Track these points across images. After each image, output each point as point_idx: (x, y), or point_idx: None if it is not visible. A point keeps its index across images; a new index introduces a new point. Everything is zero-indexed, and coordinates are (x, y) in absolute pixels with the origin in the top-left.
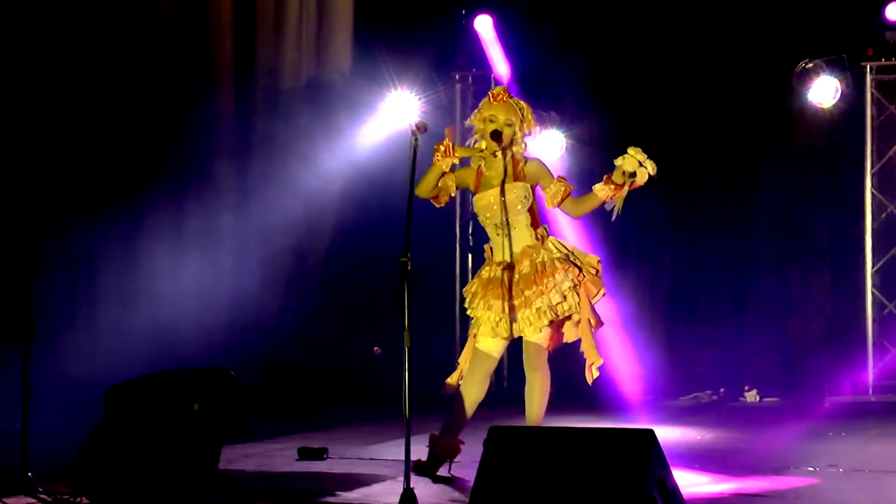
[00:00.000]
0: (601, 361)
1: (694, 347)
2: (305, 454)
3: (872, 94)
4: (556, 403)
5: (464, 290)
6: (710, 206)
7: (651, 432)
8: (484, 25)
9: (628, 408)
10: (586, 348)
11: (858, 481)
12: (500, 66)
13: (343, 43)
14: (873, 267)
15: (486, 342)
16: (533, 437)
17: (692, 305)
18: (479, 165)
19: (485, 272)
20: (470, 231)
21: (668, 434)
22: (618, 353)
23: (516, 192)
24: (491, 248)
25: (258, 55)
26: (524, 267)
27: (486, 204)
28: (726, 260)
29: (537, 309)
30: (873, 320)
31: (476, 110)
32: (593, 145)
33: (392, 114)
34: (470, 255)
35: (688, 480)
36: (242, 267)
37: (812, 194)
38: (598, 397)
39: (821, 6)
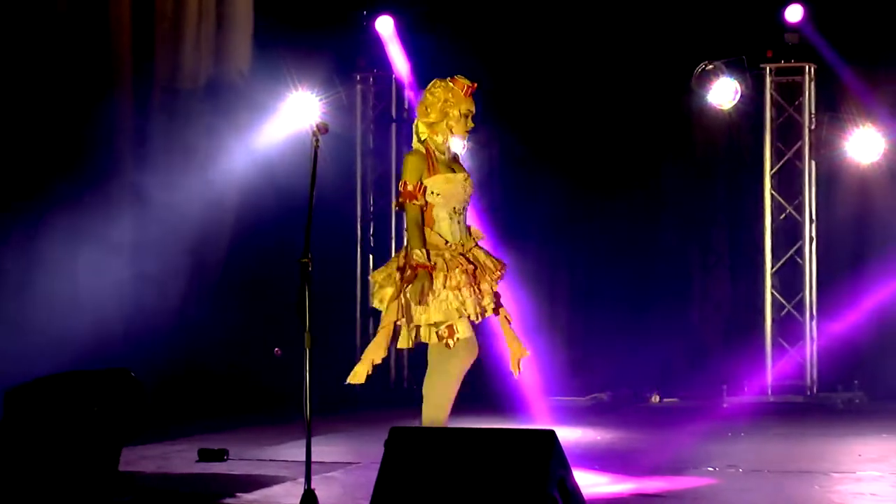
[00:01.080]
0: (528, 353)
1: (594, 348)
2: (205, 455)
3: (772, 95)
4: (457, 404)
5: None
6: (610, 207)
7: (552, 433)
8: (385, 26)
9: (529, 408)
10: (513, 342)
11: (758, 481)
12: (401, 66)
13: (243, 43)
14: (772, 268)
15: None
16: (434, 437)
17: (592, 307)
18: (429, 150)
19: (447, 254)
20: (371, 231)
21: (569, 434)
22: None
23: (470, 182)
24: (430, 231)
25: (157, 55)
26: (480, 255)
27: (453, 187)
28: (626, 261)
29: (488, 302)
30: (772, 321)
31: (440, 97)
32: (492, 148)
33: (293, 114)
34: (371, 256)
35: (588, 481)
36: (141, 267)
37: (712, 196)
38: (498, 398)
39: (720, 8)
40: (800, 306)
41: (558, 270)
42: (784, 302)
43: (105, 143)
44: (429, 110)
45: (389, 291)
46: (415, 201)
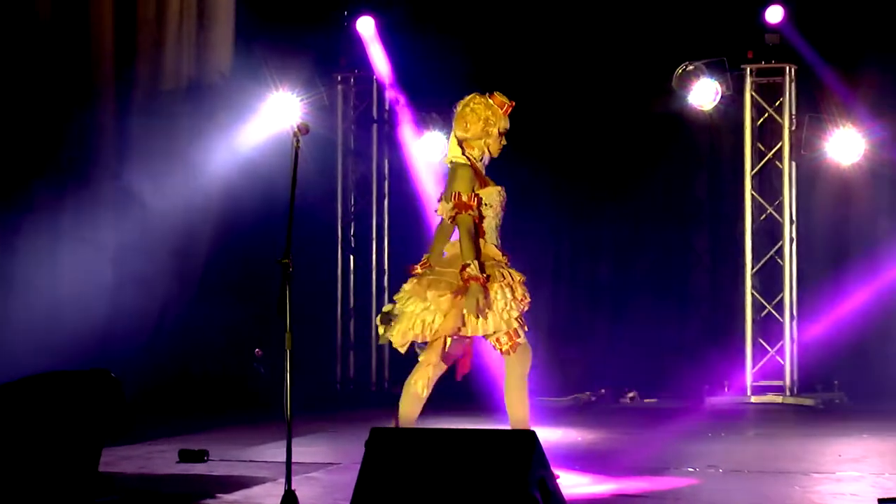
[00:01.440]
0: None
1: (575, 348)
2: (186, 456)
3: (752, 96)
4: (437, 405)
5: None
6: (592, 207)
7: (532, 433)
8: (366, 27)
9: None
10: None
11: (738, 482)
12: (382, 67)
13: (224, 43)
14: (752, 268)
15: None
16: (414, 438)
17: (573, 307)
18: (475, 164)
19: (503, 266)
20: (352, 232)
21: (550, 435)
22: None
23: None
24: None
25: (139, 57)
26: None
27: (501, 200)
28: (607, 261)
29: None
30: (752, 321)
31: (481, 114)
32: None
33: (274, 115)
34: (352, 257)
35: (569, 481)
36: (123, 268)
37: (693, 197)
38: (479, 399)
39: (701, 9)
40: (780, 307)
41: (538, 270)
42: (764, 302)
43: (88, 145)
44: (468, 125)
45: (444, 302)
46: (470, 212)
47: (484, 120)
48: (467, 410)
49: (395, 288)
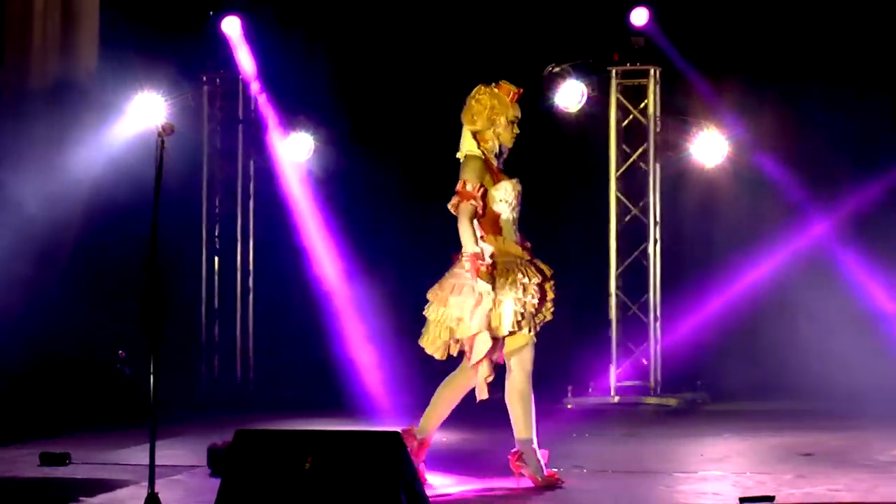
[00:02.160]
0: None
1: None
2: (47, 459)
3: (617, 98)
4: (307, 407)
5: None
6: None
7: (398, 434)
8: (231, 27)
9: (377, 411)
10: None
11: (603, 482)
12: (248, 68)
13: (89, 42)
14: (617, 269)
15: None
16: (280, 440)
17: None
18: (485, 156)
19: (521, 263)
20: (217, 233)
21: None
22: (370, 359)
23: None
24: (501, 239)
25: (5, 57)
26: (538, 263)
27: (517, 195)
28: None
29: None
30: (617, 322)
31: (486, 104)
32: (340, 147)
33: (139, 115)
34: (217, 258)
35: (434, 482)
36: None
37: (560, 198)
38: (348, 400)
39: (568, 11)
40: (644, 307)
41: (407, 272)
42: (629, 303)
43: None
44: (475, 118)
45: (470, 303)
46: (472, 202)
47: (489, 109)
48: (340, 412)
49: (260, 289)
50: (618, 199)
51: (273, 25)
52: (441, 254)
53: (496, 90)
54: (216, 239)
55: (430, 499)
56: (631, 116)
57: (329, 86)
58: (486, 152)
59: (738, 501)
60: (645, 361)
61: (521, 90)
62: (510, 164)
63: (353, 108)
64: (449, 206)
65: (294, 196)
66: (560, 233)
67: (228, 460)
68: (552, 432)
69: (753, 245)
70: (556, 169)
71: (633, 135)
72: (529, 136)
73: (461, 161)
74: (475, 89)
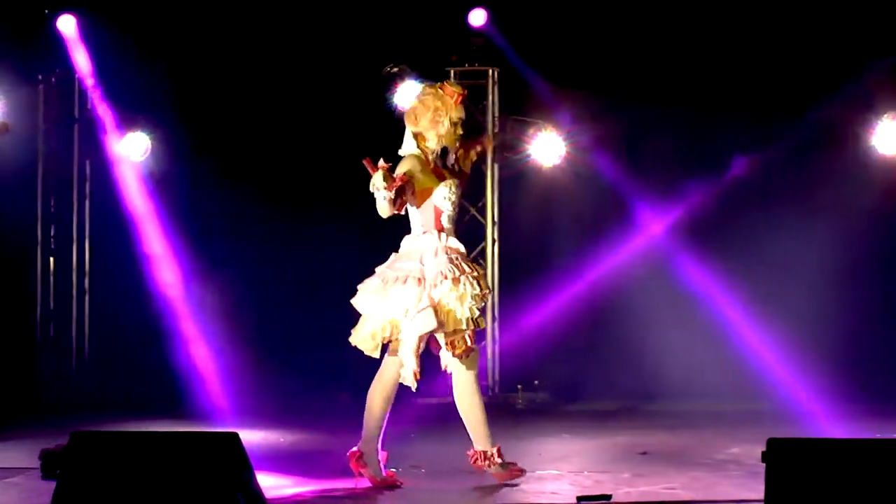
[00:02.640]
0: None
1: (288, 350)
2: None
3: None
4: (143, 409)
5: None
6: (297, 211)
7: (235, 435)
8: (67, 26)
9: (214, 412)
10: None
11: (442, 481)
12: (84, 67)
13: None
14: None
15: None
16: (116, 442)
17: (279, 313)
18: (427, 156)
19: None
20: (52, 233)
21: (252, 437)
22: (207, 361)
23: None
24: (444, 235)
25: None
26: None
27: (458, 195)
28: (309, 264)
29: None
30: None
31: (430, 105)
32: (174, 149)
33: None
34: (52, 259)
35: (272, 483)
36: None
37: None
38: (185, 402)
39: (406, 10)
40: (482, 307)
41: (245, 275)
42: None
43: None
44: (418, 118)
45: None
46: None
47: (433, 110)
48: (177, 414)
49: (96, 289)
50: None
51: (109, 24)
52: (281, 257)
53: (440, 91)
54: (52, 239)
55: (267, 500)
56: (470, 117)
57: (166, 85)
58: (426, 152)
59: (575, 500)
60: (483, 361)
61: (465, 92)
62: None
63: (190, 107)
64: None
65: (130, 196)
66: (401, 233)
67: (64, 463)
68: (391, 432)
69: (591, 245)
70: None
71: (471, 135)
72: (369, 135)
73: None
74: (420, 90)
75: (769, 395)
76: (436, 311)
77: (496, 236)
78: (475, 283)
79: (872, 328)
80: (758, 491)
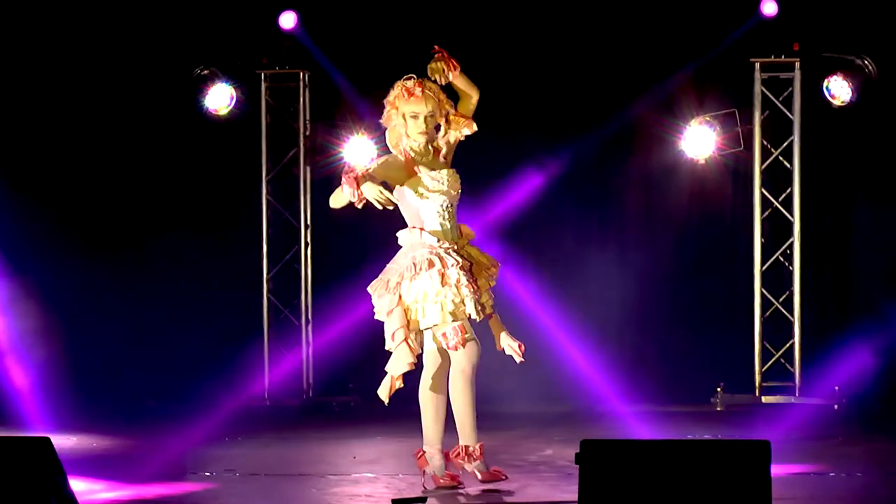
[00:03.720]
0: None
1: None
2: None
3: (267, 101)
4: None
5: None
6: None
7: (47, 440)
8: None
9: (25, 417)
10: (506, 338)
11: (255, 485)
12: None
13: None
14: (269, 273)
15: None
16: None
17: (154, 317)
18: (406, 153)
19: (440, 251)
20: None
21: (64, 442)
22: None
23: (457, 178)
24: (420, 231)
25: None
26: (473, 252)
27: (439, 185)
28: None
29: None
30: (269, 326)
31: (391, 101)
32: None
33: None
34: None
35: (85, 488)
36: None
37: (216, 202)
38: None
39: (217, 12)
40: (296, 310)
41: (52, 279)
42: (280, 306)
43: None
44: (386, 119)
45: (388, 300)
46: (346, 178)
47: (390, 105)
48: None
49: None
50: (269, 202)
51: None
52: (91, 266)
53: (395, 88)
54: None
55: None
56: (281, 120)
57: None
58: (409, 150)
59: (390, 503)
60: (297, 364)
61: (418, 84)
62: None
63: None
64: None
65: None
66: (220, 236)
67: None
68: (205, 437)
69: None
70: (209, 173)
71: (283, 138)
72: (181, 140)
73: None
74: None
75: (580, 397)
76: (406, 311)
77: (309, 239)
78: (454, 275)
79: (679, 331)
80: (571, 492)
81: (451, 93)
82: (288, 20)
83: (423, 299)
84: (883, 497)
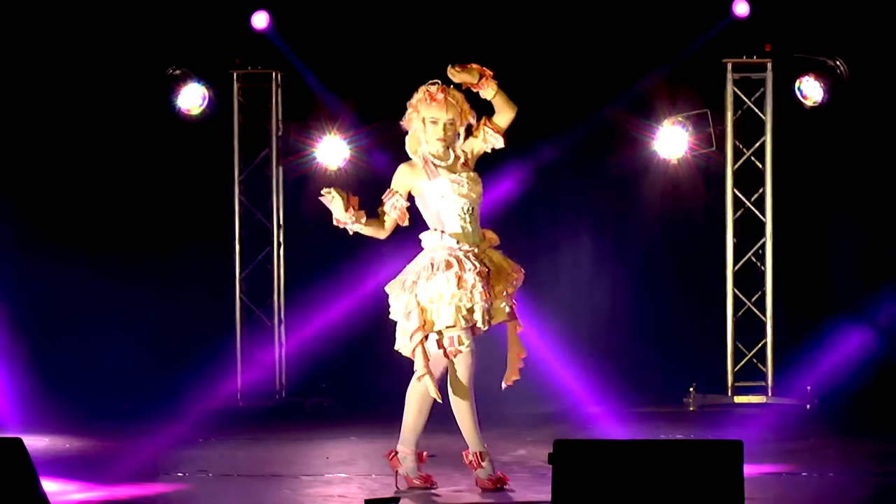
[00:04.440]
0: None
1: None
2: None
3: (239, 101)
4: None
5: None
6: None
7: (19, 441)
8: None
9: None
10: (514, 346)
11: (228, 486)
12: None
13: None
14: (241, 273)
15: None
16: None
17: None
18: (425, 158)
19: (459, 254)
20: None
21: (36, 443)
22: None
23: (478, 182)
24: (441, 233)
25: None
26: (495, 257)
27: (459, 188)
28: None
29: (502, 306)
30: (241, 326)
31: (412, 106)
32: None
33: None
34: None
35: (57, 489)
36: None
37: (187, 202)
38: None
39: (190, 11)
40: (269, 311)
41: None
42: (252, 307)
43: None
44: (407, 122)
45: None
46: (382, 208)
47: (412, 107)
48: None
49: None
50: (241, 203)
51: None
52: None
53: (415, 95)
54: None
55: None
56: (253, 121)
57: None
58: (427, 154)
59: (363, 503)
60: (270, 365)
61: (441, 90)
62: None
63: None
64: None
65: None
66: (192, 236)
67: None
68: (178, 438)
69: (377, 248)
70: (181, 173)
71: (255, 139)
72: (153, 140)
73: None
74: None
75: (553, 397)
76: (422, 312)
77: (281, 239)
78: (470, 279)
79: (652, 331)
80: (544, 493)
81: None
82: (260, 20)
83: (437, 300)
84: (855, 497)
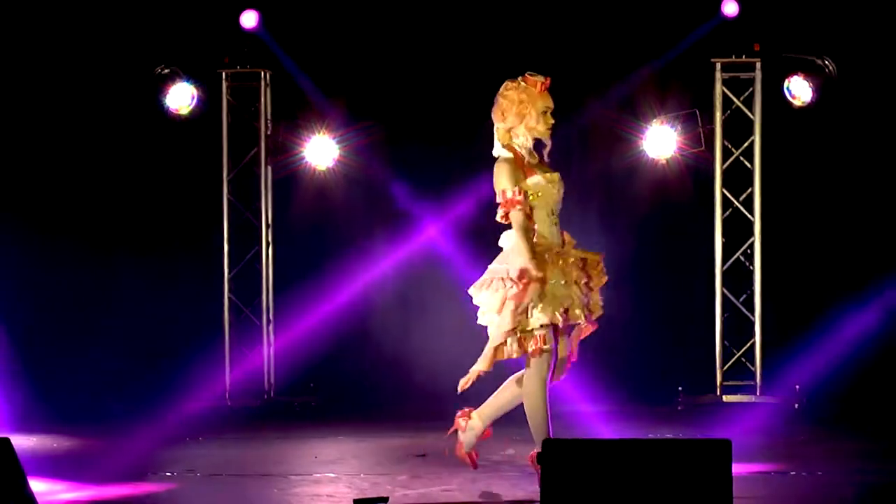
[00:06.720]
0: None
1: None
2: None
3: (228, 101)
4: None
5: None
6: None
7: (6, 441)
8: None
9: None
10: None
11: (216, 485)
12: None
13: None
14: (230, 272)
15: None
16: None
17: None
18: (517, 153)
19: (554, 249)
20: None
21: (24, 442)
22: None
23: (563, 183)
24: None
25: None
26: (580, 252)
27: (551, 188)
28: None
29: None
30: (230, 325)
31: (514, 99)
32: None
33: None
34: None
35: (45, 488)
36: None
37: (171, 202)
38: None
39: (179, 10)
40: (257, 310)
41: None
42: (241, 306)
43: None
44: (505, 114)
45: (497, 302)
46: (519, 206)
47: (518, 104)
48: None
49: None
50: (230, 202)
51: None
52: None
53: (522, 83)
54: None
55: None
56: (242, 120)
57: None
58: (518, 148)
59: (352, 503)
60: (258, 364)
61: (549, 80)
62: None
63: None
64: (499, 219)
65: None
66: (180, 235)
67: None
68: (166, 437)
69: (366, 247)
70: (169, 172)
71: (244, 138)
72: (142, 139)
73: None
74: (503, 85)
75: None
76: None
77: (270, 239)
78: (573, 274)
79: (640, 331)
80: (532, 492)
81: None
82: (249, 19)
83: (546, 295)
84: (843, 495)
